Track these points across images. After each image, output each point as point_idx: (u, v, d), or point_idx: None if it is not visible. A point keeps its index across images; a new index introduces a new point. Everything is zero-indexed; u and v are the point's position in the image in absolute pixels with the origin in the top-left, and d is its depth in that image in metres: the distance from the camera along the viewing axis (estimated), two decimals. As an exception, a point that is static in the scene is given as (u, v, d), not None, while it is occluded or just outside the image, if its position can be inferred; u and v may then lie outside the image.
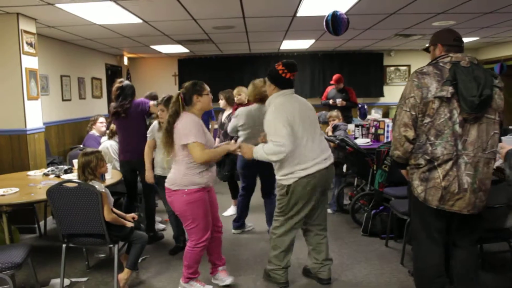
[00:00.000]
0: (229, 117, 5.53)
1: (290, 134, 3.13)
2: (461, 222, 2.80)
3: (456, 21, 6.17)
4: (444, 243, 2.85)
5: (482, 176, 2.61)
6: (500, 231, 3.28)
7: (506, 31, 7.23)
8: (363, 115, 7.26)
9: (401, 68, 10.47)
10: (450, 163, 2.60)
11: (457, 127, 2.59)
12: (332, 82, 7.78)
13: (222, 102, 5.81)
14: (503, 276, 3.62)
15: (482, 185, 2.62)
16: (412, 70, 9.98)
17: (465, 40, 8.12)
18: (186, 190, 3.21)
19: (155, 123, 4.35)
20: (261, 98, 4.33)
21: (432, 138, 2.64)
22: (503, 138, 2.55)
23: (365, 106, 7.41)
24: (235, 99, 5.21)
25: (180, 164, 3.26)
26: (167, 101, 3.88)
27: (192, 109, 3.30)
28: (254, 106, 4.50)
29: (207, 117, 7.27)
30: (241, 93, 5.11)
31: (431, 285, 2.84)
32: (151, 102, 4.56)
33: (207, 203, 3.33)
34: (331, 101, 7.60)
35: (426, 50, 2.98)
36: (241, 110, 4.52)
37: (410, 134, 2.69)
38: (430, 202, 2.68)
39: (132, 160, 4.56)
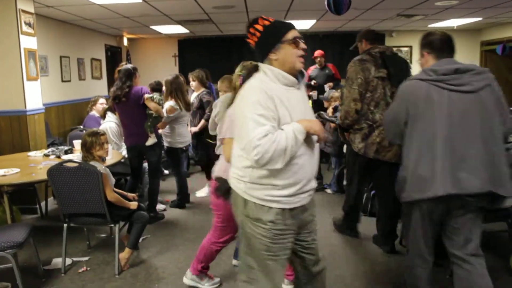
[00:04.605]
0: (198, 98, 5.46)
1: None
2: (387, 173, 3.51)
3: (459, 1, 6.09)
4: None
5: None
6: (499, 211, 3.28)
7: (510, 11, 7.14)
8: None
9: (403, 49, 10.37)
10: None
11: (389, 99, 3.47)
12: (316, 55, 7.62)
13: (194, 84, 5.55)
14: (499, 257, 3.65)
15: None
16: (414, 51, 10.12)
17: (468, 20, 8.04)
18: None
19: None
20: None
21: (372, 108, 3.54)
22: None
23: None
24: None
25: None
26: None
27: None
28: None
29: None
30: None
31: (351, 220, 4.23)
32: (147, 96, 4.43)
33: None
34: (313, 82, 7.53)
35: (355, 48, 3.91)
36: None
37: (359, 106, 3.56)
38: (368, 154, 3.59)
39: (139, 144, 4.59)
